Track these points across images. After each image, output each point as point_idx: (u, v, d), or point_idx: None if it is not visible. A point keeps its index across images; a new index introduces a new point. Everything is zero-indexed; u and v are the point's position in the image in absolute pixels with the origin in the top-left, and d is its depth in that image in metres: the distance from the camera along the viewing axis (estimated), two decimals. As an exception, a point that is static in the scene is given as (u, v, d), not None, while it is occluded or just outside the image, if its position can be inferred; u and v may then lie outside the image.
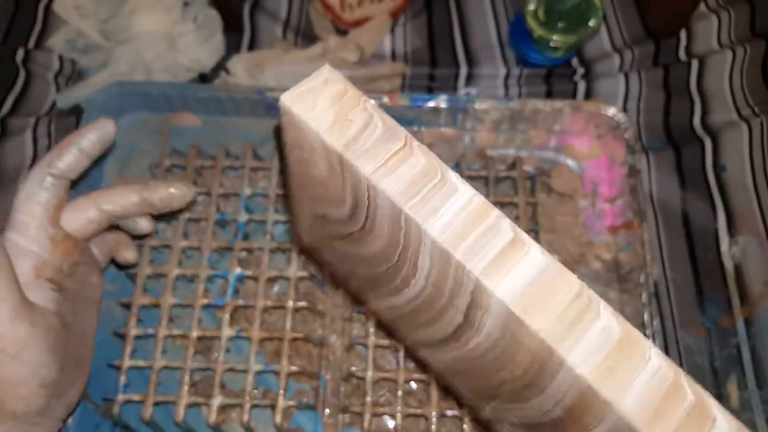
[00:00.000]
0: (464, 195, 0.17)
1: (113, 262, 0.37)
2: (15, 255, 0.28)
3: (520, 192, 0.41)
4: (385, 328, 0.33)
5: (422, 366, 0.35)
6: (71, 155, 0.30)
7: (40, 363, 0.27)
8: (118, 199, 0.31)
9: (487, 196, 0.41)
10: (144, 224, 0.33)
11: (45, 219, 0.29)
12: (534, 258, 0.16)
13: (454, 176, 0.17)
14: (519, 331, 0.16)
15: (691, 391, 0.16)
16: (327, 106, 0.18)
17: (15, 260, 0.28)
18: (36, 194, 0.29)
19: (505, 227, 0.17)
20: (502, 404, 0.22)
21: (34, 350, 0.27)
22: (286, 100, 0.18)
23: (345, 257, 0.24)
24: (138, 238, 0.37)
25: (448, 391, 0.37)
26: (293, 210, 0.25)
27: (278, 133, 0.20)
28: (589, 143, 0.45)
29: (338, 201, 0.21)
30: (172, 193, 0.32)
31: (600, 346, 0.16)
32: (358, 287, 0.27)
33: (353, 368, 0.36)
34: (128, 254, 0.35)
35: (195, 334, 0.36)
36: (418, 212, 0.17)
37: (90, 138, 0.30)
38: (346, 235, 0.22)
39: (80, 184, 0.41)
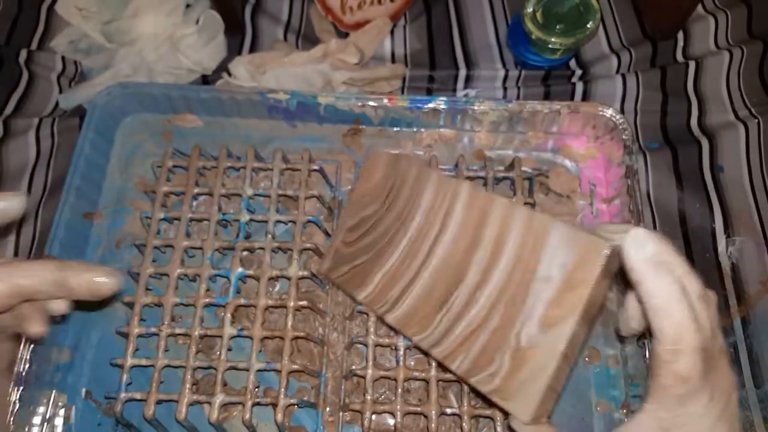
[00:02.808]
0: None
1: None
2: None
3: (519, 192, 0.41)
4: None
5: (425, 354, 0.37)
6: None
7: None
8: (32, 276, 0.26)
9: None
10: (57, 306, 0.28)
11: None
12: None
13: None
14: None
15: None
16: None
17: None
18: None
19: None
20: None
21: None
22: (376, 149, 0.39)
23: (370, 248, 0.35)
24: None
25: (447, 388, 0.38)
26: (332, 244, 0.37)
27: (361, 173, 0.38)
28: (587, 144, 0.45)
29: (380, 190, 0.36)
30: (95, 281, 0.27)
31: None
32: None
33: (354, 366, 0.37)
34: (35, 328, 0.29)
35: (197, 332, 0.37)
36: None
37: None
38: (375, 221, 0.35)
39: (84, 187, 0.42)
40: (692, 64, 0.51)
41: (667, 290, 0.24)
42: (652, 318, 0.24)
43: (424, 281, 0.32)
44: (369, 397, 0.35)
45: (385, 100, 0.43)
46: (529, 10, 0.48)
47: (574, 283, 0.26)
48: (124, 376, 0.36)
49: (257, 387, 0.36)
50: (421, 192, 0.34)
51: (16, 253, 0.44)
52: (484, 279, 0.30)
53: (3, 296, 0.26)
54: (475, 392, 0.36)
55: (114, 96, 0.44)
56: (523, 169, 0.42)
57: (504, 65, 0.53)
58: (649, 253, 0.23)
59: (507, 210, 0.30)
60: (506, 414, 0.29)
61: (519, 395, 0.27)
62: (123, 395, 0.36)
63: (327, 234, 0.42)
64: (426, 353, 0.34)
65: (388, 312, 0.33)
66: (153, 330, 0.37)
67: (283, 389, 0.35)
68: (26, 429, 0.36)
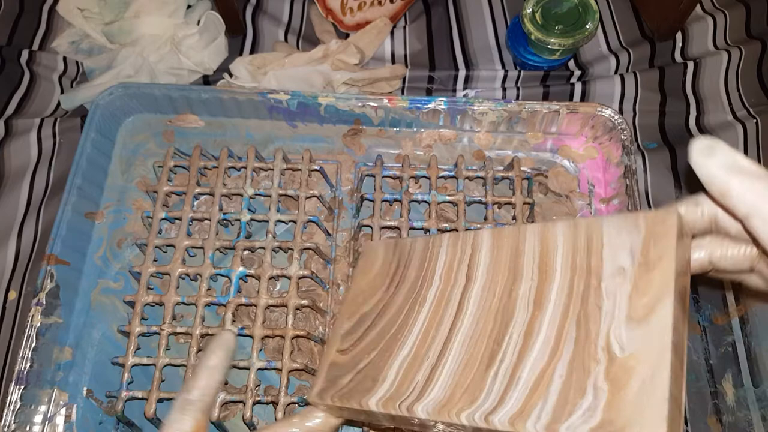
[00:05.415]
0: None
1: None
2: None
3: (518, 192, 0.41)
4: None
5: None
6: (202, 377, 0.29)
7: None
8: None
9: (485, 196, 0.41)
10: None
11: None
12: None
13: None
14: None
15: None
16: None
17: None
18: (178, 420, 0.28)
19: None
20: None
21: None
22: (367, 244, 0.35)
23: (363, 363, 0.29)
24: None
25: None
26: (322, 366, 0.30)
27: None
28: (586, 144, 0.45)
29: (383, 277, 0.32)
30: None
31: None
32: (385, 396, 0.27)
33: (354, 365, 0.37)
34: None
35: (198, 331, 0.37)
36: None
37: (217, 354, 0.29)
38: (380, 310, 0.30)
39: (85, 187, 0.42)
40: (690, 65, 0.51)
41: (765, 189, 0.18)
42: (761, 231, 0.18)
43: (460, 345, 0.26)
44: (369, 396, 0.35)
45: (385, 101, 0.43)
46: (528, 11, 0.48)
47: (653, 263, 0.22)
48: (126, 375, 0.36)
49: (258, 385, 0.36)
50: (435, 256, 0.30)
51: (17, 253, 0.44)
52: (539, 308, 0.25)
53: None
54: None
55: (115, 96, 0.44)
56: (522, 169, 0.43)
57: (503, 66, 0.53)
58: (725, 156, 0.19)
59: (542, 229, 0.26)
60: None
61: (636, 417, 0.20)
62: (124, 394, 0.36)
63: (327, 233, 0.42)
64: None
65: (416, 401, 0.25)
66: (154, 329, 0.37)
67: (283, 388, 0.36)
68: (27, 428, 0.37)
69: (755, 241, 0.19)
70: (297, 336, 0.37)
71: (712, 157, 0.19)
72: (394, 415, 0.26)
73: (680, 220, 0.22)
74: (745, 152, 0.47)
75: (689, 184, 0.46)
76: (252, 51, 0.53)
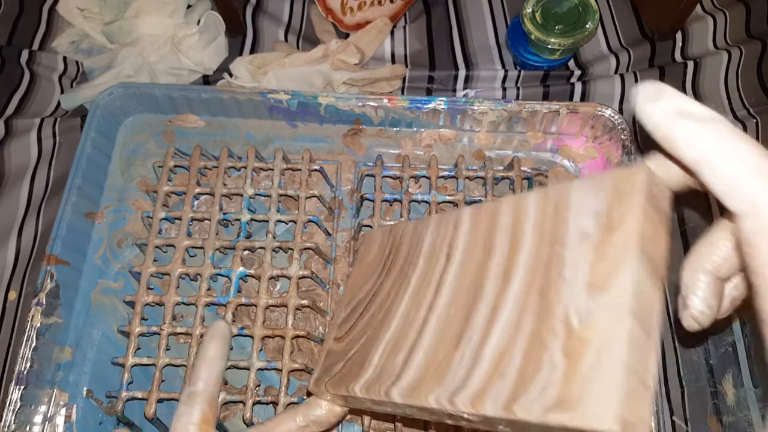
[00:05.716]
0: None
1: None
2: None
3: (518, 192, 0.41)
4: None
5: None
6: (203, 368, 0.29)
7: None
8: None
9: (485, 196, 0.41)
10: None
11: None
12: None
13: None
14: None
15: None
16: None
17: None
18: (185, 413, 0.28)
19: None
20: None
21: None
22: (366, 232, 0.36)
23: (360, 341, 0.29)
24: None
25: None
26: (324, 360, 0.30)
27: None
28: (586, 144, 0.45)
29: (377, 263, 0.32)
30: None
31: None
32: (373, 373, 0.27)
33: (354, 365, 0.37)
34: None
35: (198, 331, 0.37)
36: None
37: (213, 343, 0.29)
38: (371, 296, 0.30)
39: (85, 186, 0.42)
40: (690, 65, 0.51)
41: (718, 133, 0.16)
42: (712, 181, 0.16)
43: (435, 326, 0.25)
44: (369, 396, 0.35)
45: (385, 101, 0.43)
46: (528, 10, 0.48)
47: (615, 223, 0.20)
48: (126, 375, 0.36)
49: (258, 386, 0.36)
50: (421, 238, 0.29)
51: (17, 253, 0.44)
52: (506, 281, 0.23)
53: None
54: None
55: (115, 96, 0.44)
56: (522, 169, 0.42)
57: (503, 66, 0.53)
58: (672, 100, 0.17)
59: (516, 200, 0.25)
60: None
61: (587, 393, 0.18)
62: (124, 394, 0.36)
63: (327, 233, 0.42)
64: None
65: (392, 385, 0.25)
66: (154, 329, 0.37)
67: (283, 388, 0.36)
68: (27, 428, 0.36)
69: (720, 208, 0.17)
70: (297, 336, 0.37)
71: (658, 103, 0.17)
72: (377, 400, 0.25)
73: (650, 176, 0.20)
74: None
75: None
76: (252, 51, 0.53)
